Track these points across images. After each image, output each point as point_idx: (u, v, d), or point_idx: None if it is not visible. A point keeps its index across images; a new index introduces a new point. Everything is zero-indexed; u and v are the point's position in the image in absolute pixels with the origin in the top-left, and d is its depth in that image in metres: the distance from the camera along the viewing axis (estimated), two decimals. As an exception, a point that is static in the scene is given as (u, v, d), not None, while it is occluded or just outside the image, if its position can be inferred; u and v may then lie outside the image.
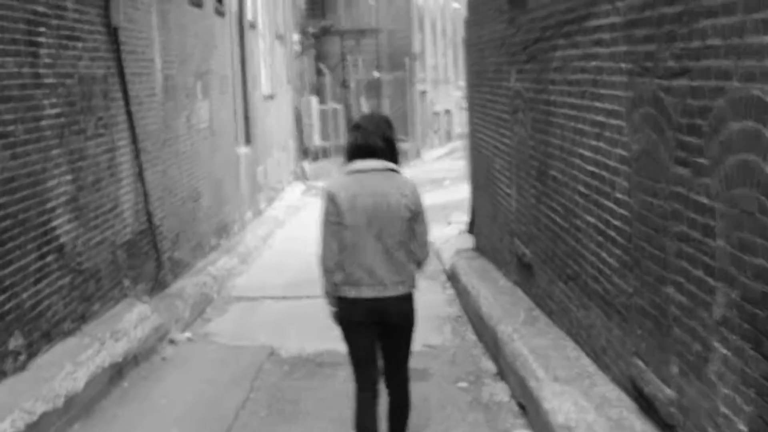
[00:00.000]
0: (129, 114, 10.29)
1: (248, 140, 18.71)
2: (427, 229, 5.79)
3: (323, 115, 29.40)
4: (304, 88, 28.48)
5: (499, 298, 9.58)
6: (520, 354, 7.61)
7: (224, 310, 11.80)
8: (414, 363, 7.12)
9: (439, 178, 27.74)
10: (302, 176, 27.06)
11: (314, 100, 28.68)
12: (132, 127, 10.36)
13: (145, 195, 10.67)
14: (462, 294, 11.39)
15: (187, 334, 10.38)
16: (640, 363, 5.73)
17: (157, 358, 9.37)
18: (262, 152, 20.44)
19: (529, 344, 7.71)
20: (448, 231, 16.74)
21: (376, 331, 5.75)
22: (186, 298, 11.17)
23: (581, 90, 6.87)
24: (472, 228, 15.31)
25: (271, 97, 22.31)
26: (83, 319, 8.58)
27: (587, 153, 6.81)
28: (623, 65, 5.83)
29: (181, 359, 9.40)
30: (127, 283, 9.95)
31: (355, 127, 5.81)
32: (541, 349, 7.52)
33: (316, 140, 28.87)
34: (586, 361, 7.06)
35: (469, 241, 14.41)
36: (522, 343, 7.80)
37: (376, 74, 33.89)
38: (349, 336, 5.87)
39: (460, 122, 34.66)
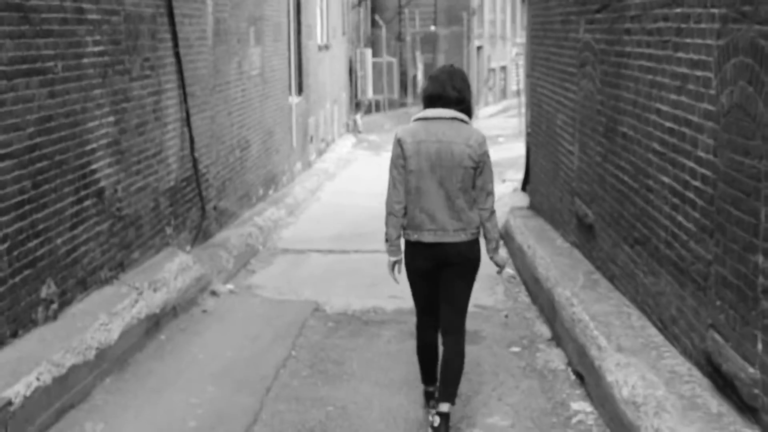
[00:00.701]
0: (177, 56, 9.81)
1: (300, 90, 18.22)
2: (491, 179, 5.77)
3: (377, 68, 28.79)
4: (358, 41, 27.88)
5: (557, 260, 9.04)
6: (579, 320, 7.08)
7: (269, 263, 11.37)
8: (468, 324, 6.84)
9: (493, 135, 27.07)
10: (354, 129, 26.56)
11: (368, 53, 28.08)
12: (180, 71, 9.88)
13: (191, 141, 10.21)
14: (516, 254, 10.85)
15: (230, 286, 9.95)
16: (718, 337, 5.18)
17: (198, 310, 8.96)
18: (315, 103, 19.94)
19: (590, 310, 7.17)
20: (502, 188, 16.13)
21: (438, 277, 5.82)
22: (230, 249, 10.74)
23: (662, 40, 6.26)
24: (526, 186, 14.75)
25: (325, 47, 21.77)
26: (122, 267, 8.17)
27: (665, 108, 6.22)
28: (715, 10, 5.22)
29: (222, 312, 8.97)
30: (169, 231, 9.53)
31: (430, 77, 5.89)
32: (603, 316, 6.98)
33: (369, 93, 28.30)
34: (653, 331, 6.51)
35: (523, 200, 13.85)
36: (582, 308, 7.26)
37: (432, 28, 33.15)
38: (413, 281, 5.96)
39: (516, 79, 33.90)
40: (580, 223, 9.11)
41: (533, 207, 12.29)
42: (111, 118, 7.96)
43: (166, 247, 9.37)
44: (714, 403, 5.07)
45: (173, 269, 8.77)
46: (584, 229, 8.91)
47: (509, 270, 10.73)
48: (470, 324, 8.57)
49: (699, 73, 5.53)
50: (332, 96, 23.17)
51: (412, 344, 7.96)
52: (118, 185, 8.11)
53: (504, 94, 38.77)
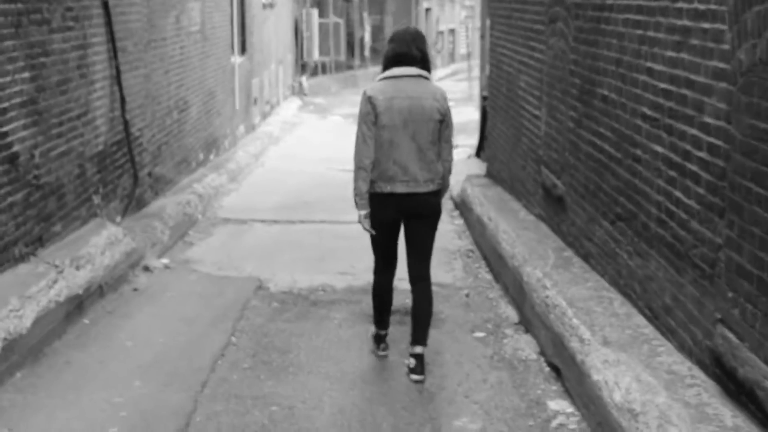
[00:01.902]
0: (106, 7, 8.79)
1: (244, 50, 17.19)
2: (452, 131, 6.10)
3: (323, 29, 27.69)
4: (305, 0, 26.80)
5: (522, 234, 8.22)
6: (554, 305, 6.27)
7: (209, 233, 10.43)
8: None
9: (442, 100, 26.26)
10: (300, 91, 25.54)
11: (315, 13, 26.98)
12: (109, 23, 8.87)
13: (123, 101, 9.21)
14: (474, 225, 10.04)
15: (165, 261, 9.01)
16: (731, 335, 4.38)
17: (128, 288, 8.02)
18: (259, 64, 18.91)
19: (565, 293, 6.36)
20: (454, 155, 15.31)
21: (400, 224, 6.11)
22: (166, 219, 9.79)
23: (655, -13, 5.43)
24: (481, 152, 13.94)
25: (270, 5, 20.70)
26: (40, 242, 7.20)
27: (659, 67, 5.38)
28: (731, -53, 4.39)
29: (156, 291, 8.03)
30: (97, 200, 8.55)
31: (391, 39, 6.10)
32: (581, 301, 6.18)
33: (315, 55, 27.23)
34: (640, 320, 5.71)
35: (479, 167, 13.04)
36: (556, 291, 6.45)
37: (380, -12, 32.15)
38: (379, 229, 6.05)
39: (466, 42, 32.99)
40: (547, 195, 8.30)
41: (491, 175, 11.47)
42: (26, 74, 6.96)
43: (93, 219, 8.40)
44: (727, 413, 4.26)
45: (100, 243, 7.82)
46: (552, 201, 8.10)
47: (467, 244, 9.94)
48: (428, 304, 7.79)
49: (706, 25, 4.69)
50: (277, 57, 22.12)
51: (365, 329, 7.15)
52: (35, 150, 7.13)
53: (452, 57, 37.86)
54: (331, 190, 12.51)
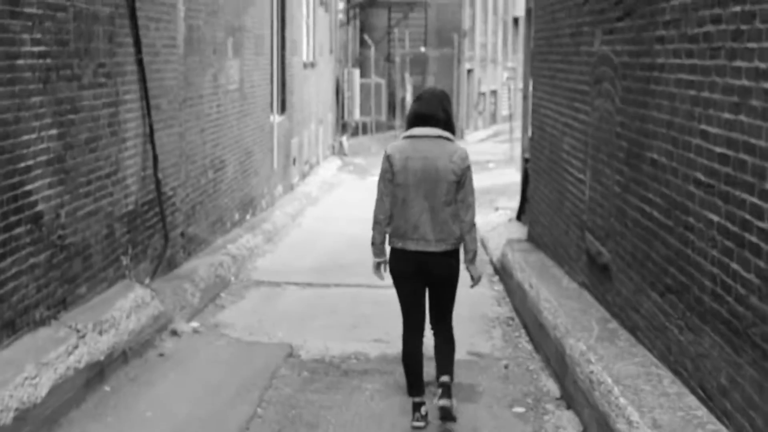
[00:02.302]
0: (140, 64, 8.61)
1: (283, 109, 17.03)
2: (472, 192, 6.11)
3: (365, 89, 27.63)
4: (346, 60, 26.75)
5: (565, 303, 7.84)
6: (599, 381, 5.88)
7: (241, 296, 10.12)
8: (459, 375, 6.75)
9: (483, 161, 25.93)
10: (340, 151, 25.39)
11: (356, 73, 26.94)
12: (143, 80, 8.68)
13: (155, 159, 8.99)
14: (515, 292, 9.66)
15: (194, 324, 8.72)
16: (796, 425, 3.99)
17: (154, 353, 7.72)
18: (298, 123, 18.76)
19: (611, 369, 5.97)
20: (494, 217, 14.99)
21: (423, 282, 6.20)
22: (197, 281, 9.51)
23: (711, 47, 5.09)
24: (521, 215, 13.59)
25: (311, 65, 20.62)
26: (63, 305, 6.93)
27: (714, 130, 5.04)
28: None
29: (182, 356, 7.72)
30: (125, 261, 8.30)
31: (417, 98, 6.26)
32: (628, 378, 5.78)
33: (356, 115, 27.13)
34: (692, 402, 5.30)
35: (520, 230, 12.68)
36: (601, 366, 6.06)
37: (422, 49, 32.05)
38: (399, 285, 6.28)
39: (508, 103, 32.79)
40: (591, 262, 7.92)
41: (532, 239, 11.11)
42: (53, 131, 6.75)
43: (121, 280, 8.14)
44: None
45: (126, 306, 7.54)
46: (597, 268, 7.73)
47: (500, 308, 9.55)
48: (465, 376, 7.41)
49: (768, 86, 4.36)
50: (317, 116, 22.00)
51: (398, 401, 6.79)
52: (61, 209, 6.89)
53: (494, 118, 37.63)
54: (368, 253, 12.09)
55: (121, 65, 8.15)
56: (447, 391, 6.16)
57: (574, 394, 6.45)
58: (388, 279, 6.42)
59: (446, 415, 6.11)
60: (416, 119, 6.13)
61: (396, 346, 8.11)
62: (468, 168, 6.06)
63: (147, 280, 8.73)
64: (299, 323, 9.04)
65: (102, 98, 7.70)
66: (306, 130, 19.95)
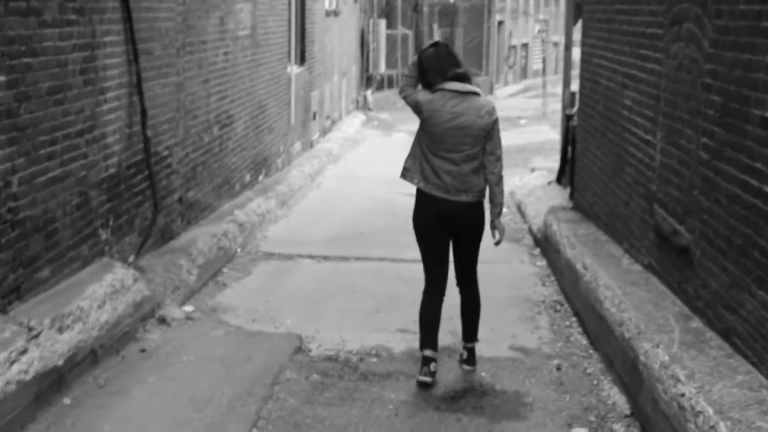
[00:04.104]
0: (124, 0, 7.16)
1: (303, 59, 15.51)
2: (500, 145, 5.95)
3: (391, 40, 25.97)
4: (372, 10, 25.12)
5: (631, 292, 6.36)
6: (695, 410, 4.41)
7: (247, 272, 8.70)
8: (502, 378, 6.09)
9: (514, 117, 24.39)
10: (364, 106, 23.84)
11: (382, 24, 25.28)
12: (129, 19, 7.22)
13: (143, 113, 7.54)
14: (562, 271, 8.20)
15: (188, 308, 7.33)
16: None
17: (134, 349, 6.33)
18: (320, 75, 17.24)
19: (710, 394, 4.50)
20: (531, 179, 13.45)
21: (446, 236, 6.01)
22: (194, 255, 8.10)
23: None
24: (562, 177, 12.08)
25: (334, 13, 19.06)
26: (17, 293, 5.52)
27: None
28: None
29: (168, 353, 6.32)
30: (104, 235, 6.88)
31: (432, 55, 6.01)
32: (736, 409, 4.30)
33: (382, 68, 25.51)
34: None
35: (561, 195, 11.19)
36: (695, 388, 4.59)
37: (451, 0, 30.31)
38: (421, 238, 6.05)
39: (542, 56, 31.02)
40: (662, 242, 6.44)
41: (580, 208, 9.60)
42: (0, 78, 5.32)
43: (98, 259, 6.73)
44: None
45: (99, 293, 6.13)
46: (671, 250, 6.24)
47: (548, 292, 8.10)
48: (509, 380, 6.01)
49: None
50: (340, 68, 20.45)
51: (428, 418, 5.37)
52: (13, 176, 5.47)
53: (525, 73, 35.83)
54: (393, 218, 10.71)
55: (98, 0, 6.69)
56: (472, 356, 6.28)
57: (653, 416, 5.00)
58: (416, 249, 6.14)
59: (470, 361, 6.25)
60: (442, 75, 5.91)
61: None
62: (496, 121, 5.93)
63: (132, 257, 7.32)
64: (312, 307, 7.63)
65: (72, 39, 6.24)
66: (328, 83, 18.43)
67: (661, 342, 5.29)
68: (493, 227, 6.05)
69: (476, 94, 5.93)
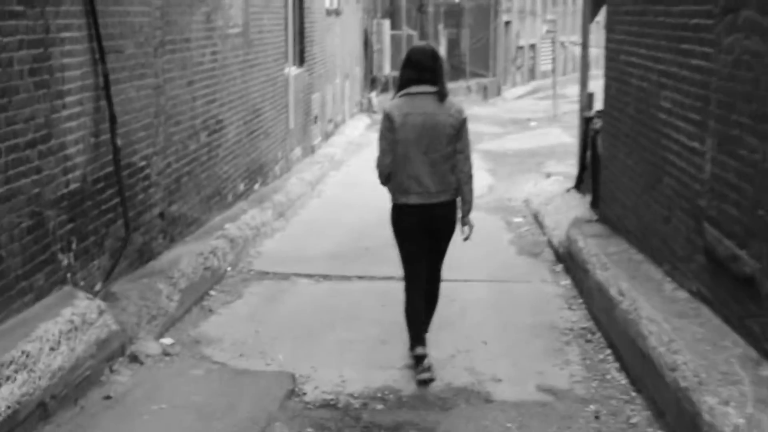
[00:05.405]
0: (88, -10, 6.16)
1: (302, 60, 14.49)
2: (469, 144, 6.08)
3: (396, 41, 24.91)
4: (375, 10, 24.09)
5: (681, 327, 5.34)
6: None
7: (236, 295, 7.69)
8: (530, 428, 5.13)
9: (523, 119, 23.36)
10: (368, 109, 22.80)
11: (387, 24, 24.25)
12: (92, 11, 6.22)
13: (112, 120, 6.53)
14: (592, 294, 7.18)
15: (166, 341, 6.33)
16: None
17: (97, 396, 5.31)
18: (321, 77, 16.22)
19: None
20: (547, 186, 12.42)
21: (424, 234, 6.09)
22: (176, 278, 7.08)
23: None
24: (580, 184, 11.06)
25: (335, 12, 18.04)
26: (-55, 338, 4.53)
27: None
28: None
29: (137, 400, 5.30)
30: (66, 261, 5.87)
31: (407, 59, 6.11)
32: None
33: (387, 69, 24.48)
34: None
35: (581, 204, 10.15)
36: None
37: (457, 0, 29.26)
38: (402, 239, 6.15)
39: (551, 57, 29.96)
40: (717, 267, 5.41)
41: (607, 220, 8.57)
42: None
43: (58, 288, 5.72)
44: None
45: (53, 332, 5.11)
46: (728, 278, 5.22)
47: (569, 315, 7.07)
48: (537, 430, 5.00)
49: None
50: (343, 70, 19.42)
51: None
52: (-61, 197, 4.47)
53: (533, 74, 34.75)
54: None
55: (54, -11, 5.68)
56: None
57: (723, 493, 3.98)
58: None
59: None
60: (410, 79, 6.01)
61: (439, 377, 5.80)
62: (465, 120, 6.04)
63: (98, 285, 6.30)
64: (308, 337, 6.63)
65: (18, 34, 5.24)
66: (330, 85, 17.41)
67: (730, 398, 4.27)
68: (464, 224, 6.11)
69: (443, 94, 5.99)
